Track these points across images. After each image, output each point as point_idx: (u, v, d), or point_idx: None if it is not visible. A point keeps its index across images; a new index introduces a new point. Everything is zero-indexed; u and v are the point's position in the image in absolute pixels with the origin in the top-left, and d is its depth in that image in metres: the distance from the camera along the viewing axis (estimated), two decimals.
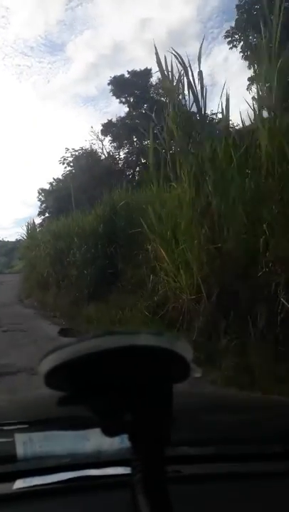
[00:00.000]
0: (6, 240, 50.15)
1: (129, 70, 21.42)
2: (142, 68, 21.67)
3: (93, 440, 0.67)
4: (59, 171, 23.27)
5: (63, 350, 0.33)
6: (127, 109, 22.10)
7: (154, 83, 21.96)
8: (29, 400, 1.12)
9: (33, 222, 14.55)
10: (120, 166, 22.41)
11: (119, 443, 0.53)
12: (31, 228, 13.64)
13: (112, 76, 21.44)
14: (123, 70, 21.45)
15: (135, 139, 21.46)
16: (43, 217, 22.05)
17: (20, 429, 0.73)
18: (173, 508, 0.37)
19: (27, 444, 0.67)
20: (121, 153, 22.66)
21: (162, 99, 21.65)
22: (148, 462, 0.38)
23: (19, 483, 0.64)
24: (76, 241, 8.17)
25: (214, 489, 0.65)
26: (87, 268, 7.38)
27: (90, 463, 0.67)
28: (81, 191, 15.78)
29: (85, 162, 21.22)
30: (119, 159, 22.74)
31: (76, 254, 7.91)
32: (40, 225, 17.57)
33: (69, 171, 21.87)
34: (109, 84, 21.29)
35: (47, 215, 20.50)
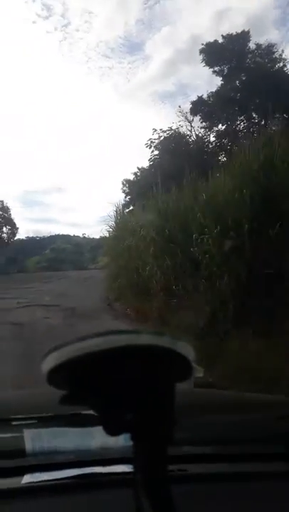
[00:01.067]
0: (91, 237, 51.00)
1: (224, 35, 18.25)
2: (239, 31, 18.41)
3: (98, 438, 0.69)
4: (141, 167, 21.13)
5: (66, 348, 0.33)
6: (218, 83, 18.99)
7: (252, 48, 18.61)
8: (38, 395, 1.11)
9: (122, 208, 12.18)
10: (211, 148, 19.49)
11: (123, 441, 0.51)
12: (120, 214, 11.18)
13: (204, 43, 18.45)
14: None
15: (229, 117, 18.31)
16: (127, 210, 20.26)
17: (30, 424, 0.75)
18: (174, 506, 0.38)
19: (36, 439, 0.70)
20: (211, 136, 19.66)
21: (262, 68, 18.47)
22: (150, 461, 0.39)
23: (28, 478, 0.67)
24: (201, 220, 5.11)
25: (216, 488, 0.66)
26: (223, 266, 4.38)
27: (95, 460, 0.70)
28: (169, 178, 13.64)
29: (172, 144, 18.72)
30: (210, 142, 19.81)
31: (202, 242, 4.86)
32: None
33: (156, 156, 19.57)
34: (200, 53, 18.37)
35: (131, 207, 18.57)
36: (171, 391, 0.38)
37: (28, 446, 0.68)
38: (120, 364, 0.35)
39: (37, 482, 0.66)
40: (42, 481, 0.66)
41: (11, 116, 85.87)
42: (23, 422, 0.75)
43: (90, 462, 0.69)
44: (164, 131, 19.20)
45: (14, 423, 0.77)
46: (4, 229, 38.10)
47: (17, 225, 38.73)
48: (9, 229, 38.33)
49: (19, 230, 39.54)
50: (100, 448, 0.70)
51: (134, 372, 0.35)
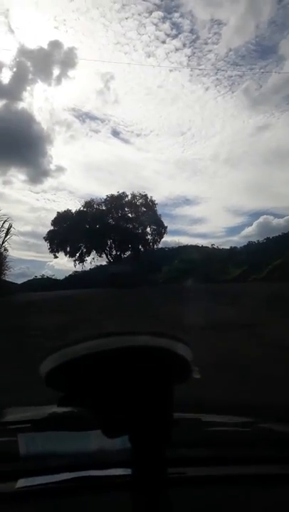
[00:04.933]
0: (221, 247, 52.46)
1: None
2: None
3: (94, 441, 0.68)
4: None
5: (64, 350, 0.33)
6: None
7: None
8: (32, 400, 1.09)
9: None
10: None
11: (120, 444, 0.52)
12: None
13: None
14: None
15: None
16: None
17: (23, 428, 0.73)
18: (172, 509, 0.37)
19: (30, 444, 0.68)
20: None
21: None
22: (148, 464, 0.37)
23: (22, 482, 0.65)
24: None
25: (214, 491, 0.65)
26: None
27: (91, 463, 0.69)
28: None
29: None
30: None
31: None
32: None
33: None
34: None
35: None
36: (169, 393, 0.37)
37: (23, 450, 0.67)
38: (118, 365, 0.34)
39: (32, 486, 0.64)
40: (37, 485, 0.64)
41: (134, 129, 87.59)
42: (18, 426, 0.75)
43: (86, 466, 0.68)
44: None
45: (8, 427, 0.76)
46: (148, 229, 32.97)
47: (165, 224, 33.15)
48: (154, 229, 33.30)
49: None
50: (95, 451, 0.69)
51: (133, 373, 0.35)
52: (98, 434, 0.41)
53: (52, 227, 33.61)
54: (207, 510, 0.63)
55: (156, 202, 34.57)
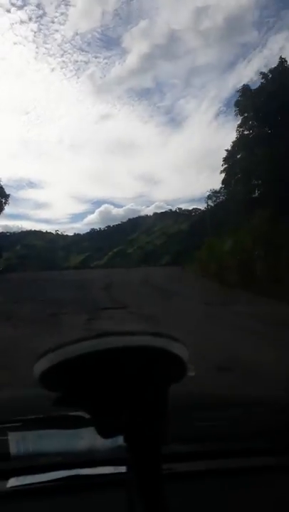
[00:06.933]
0: (65, 233, 50.78)
1: None
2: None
3: (86, 439, 0.69)
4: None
5: (59, 350, 0.33)
6: None
7: None
8: (23, 398, 1.11)
9: None
10: None
11: (112, 442, 0.51)
12: None
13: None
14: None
15: None
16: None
17: (15, 427, 0.74)
18: (168, 506, 0.38)
19: (21, 442, 0.69)
20: None
21: None
22: (143, 460, 0.38)
23: (13, 481, 0.65)
24: None
25: (209, 485, 0.66)
26: None
27: (84, 461, 0.69)
28: None
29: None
30: None
31: None
32: None
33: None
34: None
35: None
36: (164, 391, 0.38)
37: (13, 449, 0.67)
38: (112, 365, 0.34)
39: (23, 485, 0.64)
40: (28, 484, 0.64)
41: None
42: (8, 425, 0.74)
43: (77, 464, 0.68)
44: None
45: None
46: None
47: None
48: None
49: None
50: (86, 450, 0.69)
51: (127, 373, 0.35)
52: (90, 432, 0.41)
53: None
54: (202, 504, 0.64)
55: None
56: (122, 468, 0.45)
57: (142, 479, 0.37)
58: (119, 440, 0.38)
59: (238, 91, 17.66)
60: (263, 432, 0.83)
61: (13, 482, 0.65)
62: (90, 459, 0.70)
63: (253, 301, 9.16)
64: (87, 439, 0.70)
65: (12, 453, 0.68)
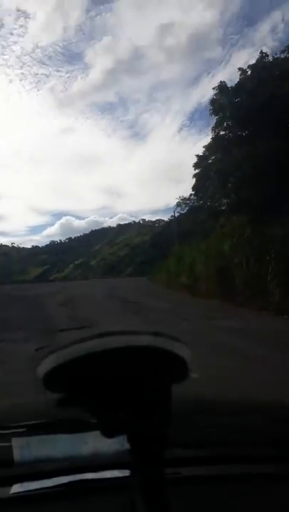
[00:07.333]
0: (21, 246, 48.54)
1: None
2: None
3: (91, 443, 0.67)
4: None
5: (62, 351, 0.33)
6: None
7: None
8: (27, 403, 1.11)
9: None
10: None
11: (116, 446, 0.52)
12: None
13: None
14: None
15: None
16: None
17: (18, 433, 0.73)
18: (171, 510, 0.37)
19: (24, 448, 0.67)
20: None
21: None
22: (147, 464, 0.37)
23: (16, 488, 0.64)
24: None
25: (212, 491, 0.66)
26: None
27: (88, 466, 0.68)
28: None
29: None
30: None
31: None
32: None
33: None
34: None
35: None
36: (167, 393, 0.38)
37: (17, 455, 0.66)
38: (115, 366, 0.34)
39: (26, 491, 0.64)
40: (31, 491, 0.64)
41: None
42: (11, 431, 0.74)
43: (81, 469, 0.68)
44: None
45: (1, 432, 0.75)
46: None
47: None
48: None
49: None
50: (90, 454, 0.68)
51: (130, 374, 0.35)
52: (93, 436, 0.43)
53: None
54: (204, 509, 0.63)
55: None
56: (126, 472, 0.43)
57: (144, 482, 0.38)
58: (123, 444, 0.39)
59: (213, 88, 16.45)
60: (266, 439, 0.81)
61: (16, 488, 0.65)
62: (94, 463, 0.69)
63: (238, 314, 8.25)
64: (90, 443, 0.68)
65: (16, 459, 0.66)
